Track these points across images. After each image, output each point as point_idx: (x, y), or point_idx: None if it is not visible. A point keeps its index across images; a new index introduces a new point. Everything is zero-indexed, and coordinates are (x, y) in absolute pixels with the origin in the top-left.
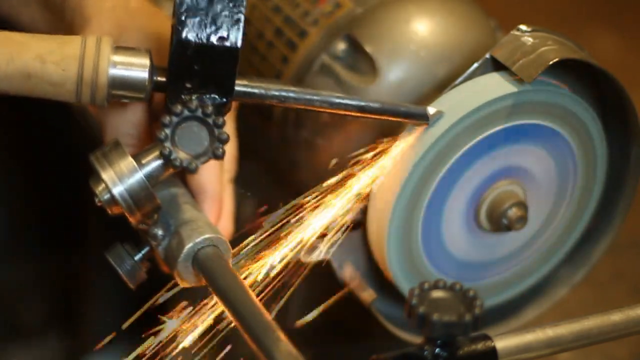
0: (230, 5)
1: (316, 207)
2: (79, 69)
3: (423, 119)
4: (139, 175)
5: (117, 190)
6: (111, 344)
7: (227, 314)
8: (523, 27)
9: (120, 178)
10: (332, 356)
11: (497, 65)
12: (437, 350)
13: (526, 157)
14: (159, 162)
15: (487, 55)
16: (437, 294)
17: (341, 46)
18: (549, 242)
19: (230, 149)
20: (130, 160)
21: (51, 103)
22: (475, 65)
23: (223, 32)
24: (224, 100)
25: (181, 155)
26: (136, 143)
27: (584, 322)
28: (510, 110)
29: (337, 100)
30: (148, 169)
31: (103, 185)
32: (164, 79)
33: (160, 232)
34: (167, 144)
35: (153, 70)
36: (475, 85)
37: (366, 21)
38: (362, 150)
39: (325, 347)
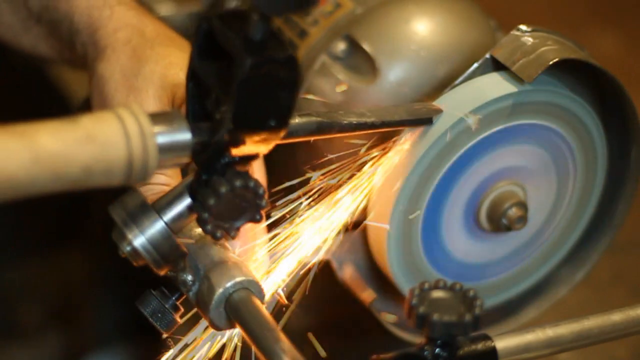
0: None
1: (317, 208)
2: (128, 171)
3: (428, 122)
4: (161, 224)
5: (139, 242)
6: (111, 344)
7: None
8: (523, 27)
9: (141, 229)
10: (332, 356)
11: (497, 65)
12: (437, 350)
13: (526, 157)
14: (182, 207)
15: (487, 55)
16: (437, 294)
17: (341, 46)
18: (549, 242)
19: (260, 176)
20: (150, 209)
21: (53, 104)
22: (475, 65)
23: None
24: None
25: (221, 227)
26: (165, 181)
27: (584, 322)
28: (510, 110)
29: (356, 122)
30: (171, 215)
31: (124, 237)
32: (203, 139)
33: (189, 278)
34: (210, 224)
35: (193, 136)
36: (475, 85)
37: (366, 21)
38: (362, 151)
39: (326, 347)
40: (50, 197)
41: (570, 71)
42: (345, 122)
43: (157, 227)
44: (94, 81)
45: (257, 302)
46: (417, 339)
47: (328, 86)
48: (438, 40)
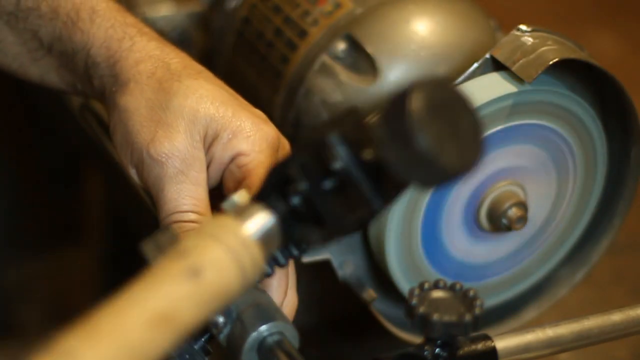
0: None
1: None
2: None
3: None
4: None
5: None
6: None
7: None
8: (523, 27)
9: None
10: (332, 356)
11: (497, 65)
12: (437, 350)
13: (526, 157)
14: None
15: (487, 55)
16: (437, 294)
17: (341, 46)
18: (549, 242)
19: None
20: None
21: (53, 104)
22: (475, 65)
23: None
24: None
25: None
26: (197, 218)
27: (584, 322)
28: (510, 110)
29: None
30: None
31: None
32: (284, 222)
33: (221, 320)
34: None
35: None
36: (475, 85)
37: (366, 21)
38: None
39: (325, 347)
40: (50, 197)
41: (570, 71)
42: None
43: None
44: (115, 115)
45: (292, 348)
46: (417, 339)
47: (328, 86)
48: (438, 40)
